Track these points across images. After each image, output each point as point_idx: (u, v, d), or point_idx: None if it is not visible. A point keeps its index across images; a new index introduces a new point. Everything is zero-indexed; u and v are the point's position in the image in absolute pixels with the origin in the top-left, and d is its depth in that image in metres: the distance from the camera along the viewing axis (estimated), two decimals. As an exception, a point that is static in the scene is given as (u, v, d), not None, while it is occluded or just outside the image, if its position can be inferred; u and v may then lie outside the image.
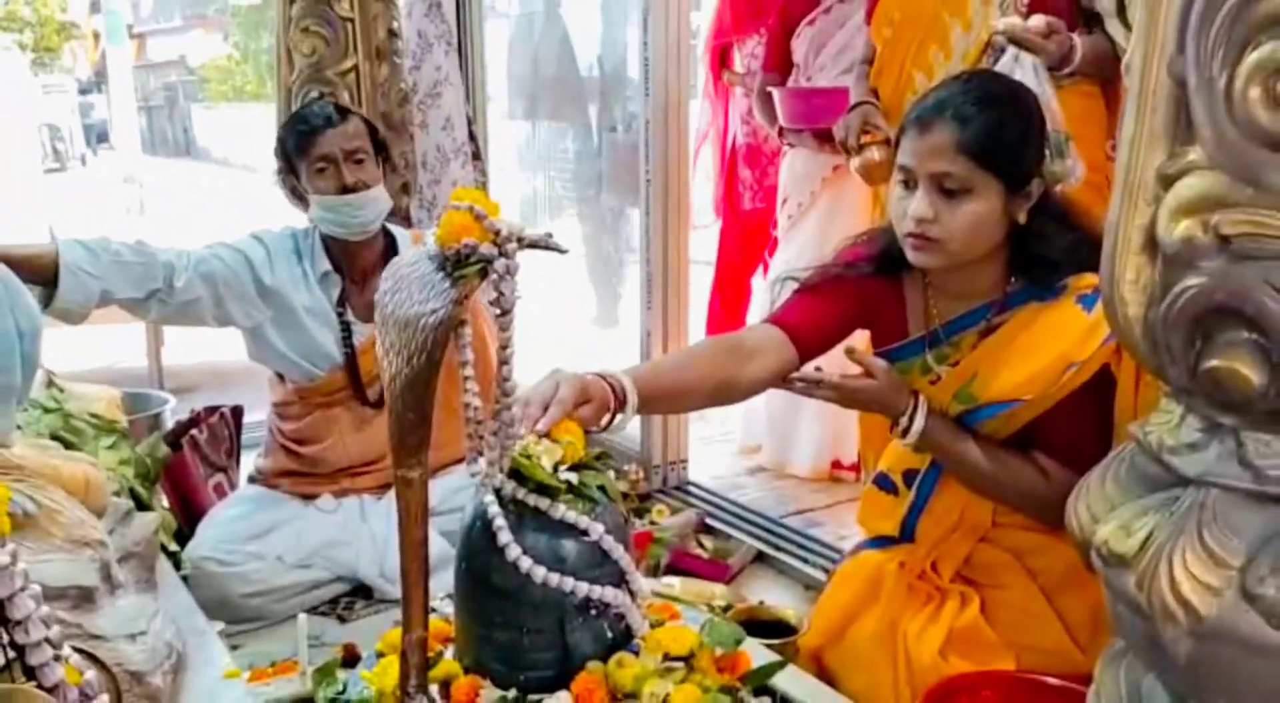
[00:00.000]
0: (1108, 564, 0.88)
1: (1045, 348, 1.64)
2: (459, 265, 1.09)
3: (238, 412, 2.66)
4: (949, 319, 1.75)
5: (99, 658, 0.97)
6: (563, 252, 1.14)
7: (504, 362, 1.17)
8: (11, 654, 0.77)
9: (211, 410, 2.59)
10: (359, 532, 2.34)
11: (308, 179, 2.24)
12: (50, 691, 0.74)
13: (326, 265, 2.32)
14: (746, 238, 4.13)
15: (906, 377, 1.78)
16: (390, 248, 2.37)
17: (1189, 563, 0.81)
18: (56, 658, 0.75)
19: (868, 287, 1.80)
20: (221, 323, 2.30)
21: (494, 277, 1.10)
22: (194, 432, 2.48)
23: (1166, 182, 0.84)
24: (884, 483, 1.90)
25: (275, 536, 2.28)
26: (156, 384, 3.94)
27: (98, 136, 18.13)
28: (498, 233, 1.09)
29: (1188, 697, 0.85)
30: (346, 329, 2.34)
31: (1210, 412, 0.84)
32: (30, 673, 0.75)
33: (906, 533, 1.84)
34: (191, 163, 19.35)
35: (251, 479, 2.49)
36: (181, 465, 2.39)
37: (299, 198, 2.31)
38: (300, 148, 2.23)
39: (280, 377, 2.42)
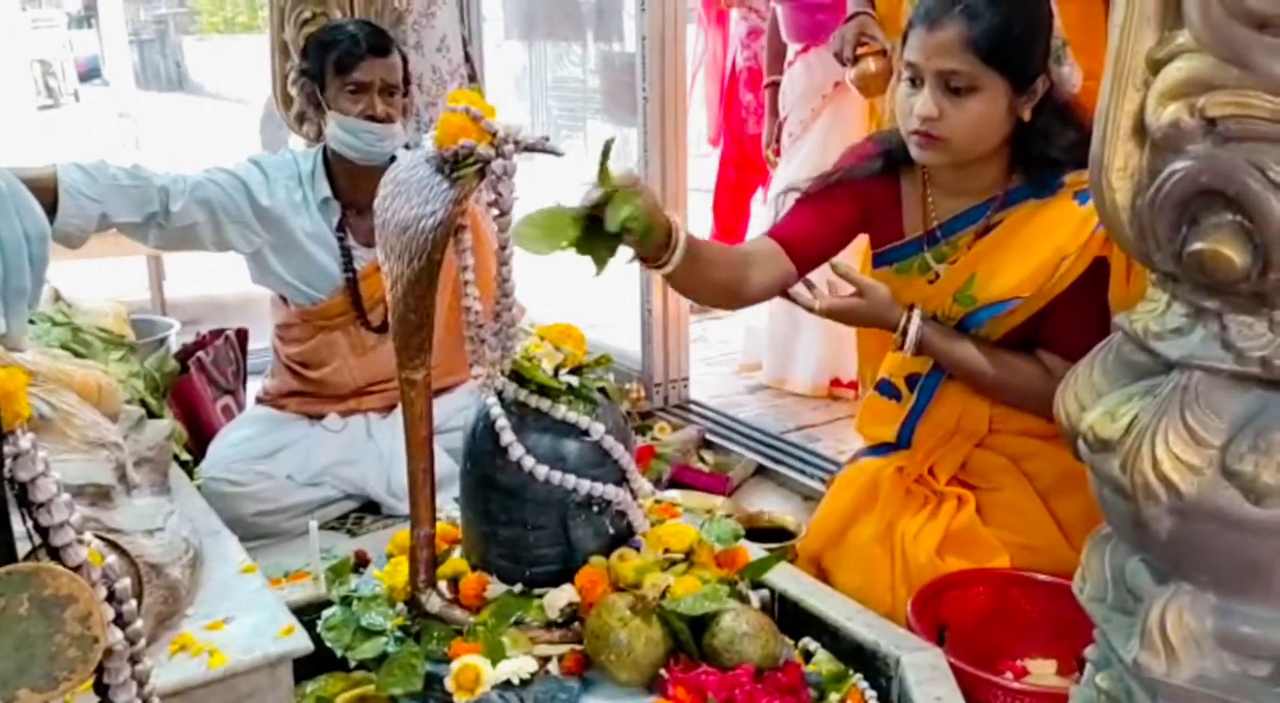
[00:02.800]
0: (1093, 450, 0.91)
1: (1041, 245, 1.66)
2: (457, 166, 1.11)
3: (243, 334, 2.68)
4: (947, 218, 1.76)
5: (121, 546, 1.01)
6: (559, 154, 1.15)
7: (503, 263, 1.19)
8: (37, 540, 0.79)
9: (217, 333, 2.61)
10: (366, 450, 2.37)
11: (334, 96, 2.24)
12: (74, 570, 0.77)
13: (327, 191, 2.32)
14: (747, 162, 4.13)
15: (906, 277, 1.80)
16: None
17: (1171, 443, 0.83)
18: (80, 541, 0.78)
19: (865, 189, 1.81)
20: (221, 248, 2.30)
21: (492, 177, 1.11)
22: (200, 354, 2.51)
23: (1156, 66, 0.84)
24: (886, 389, 1.93)
25: (284, 455, 2.32)
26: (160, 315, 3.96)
27: (89, 72, 17.85)
28: (495, 134, 1.10)
29: (1170, 574, 0.88)
30: (347, 255, 2.35)
31: (1194, 297, 0.86)
32: (54, 555, 0.78)
33: (904, 438, 1.87)
34: (185, 97, 19.08)
35: (258, 400, 2.51)
36: (189, 387, 2.42)
37: (315, 106, 2.29)
38: (342, 66, 2.22)
39: (283, 299, 2.43)
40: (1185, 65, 0.81)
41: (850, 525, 1.85)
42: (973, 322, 1.75)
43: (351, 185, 2.32)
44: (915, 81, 1.63)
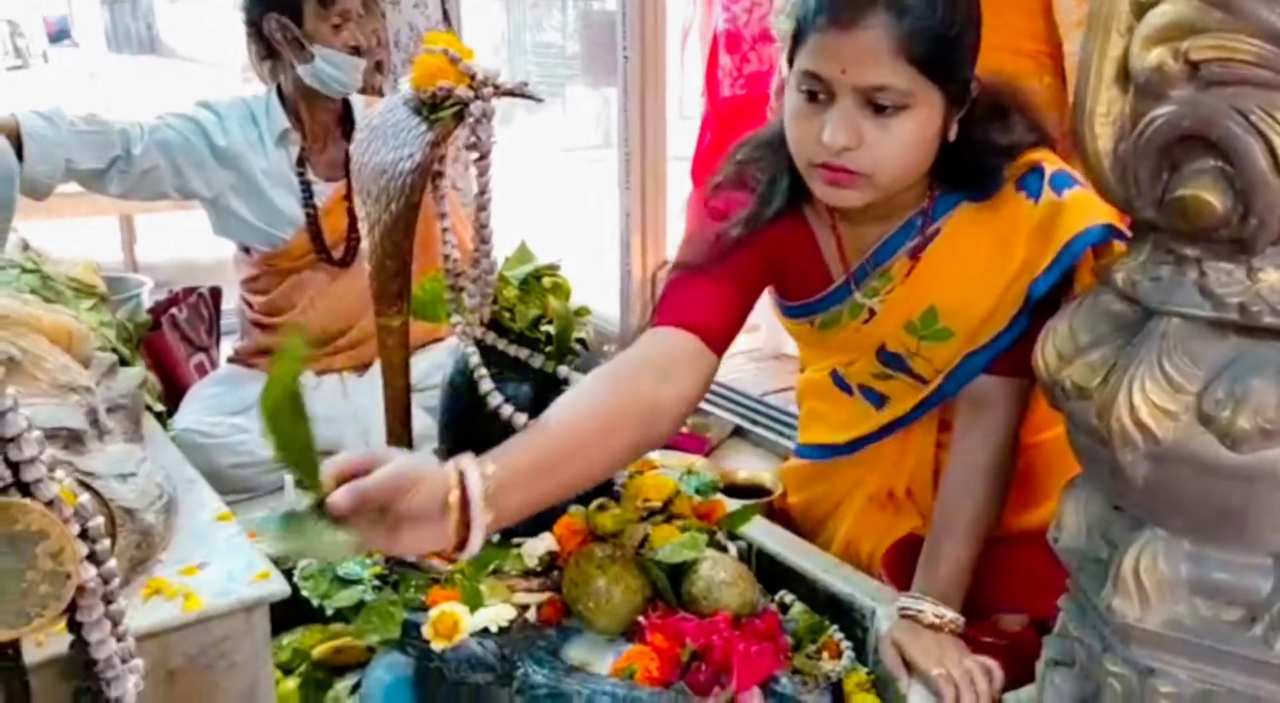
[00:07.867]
0: (1070, 398, 0.91)
1: (1003, 263, 1.35)
2: (434, 109, 1.09)
3: (216, 293, 2.66)
4: (871, 250, 1.41)
5: (94, 489, 1.00)
6: (539, 100, 1.14)
7: (482, 208, 1.18)
8: (8, 478, 0.78)
9: (190, 291, 2.59)
10: (341, 408, 2.36)
11: (316, 29, 2.22)
12: (46, 506, 0.76)
13: (285, 123, 2.31)
14: (725, 126, 4.09)
15: (833, 329, 1.50)
16: (346, 111, 2.38)
17: (1148, 389, 0.84)
18: (52, 477, 0.77)
19: (764, 239, 1.39)
20: (184, 194, 2.29)
21: (470, 120, 1.10)
22: (173, 311, 2.48)
23: (1140, 10, 0.84)
24: (839, 384, 1.65)
25: (258, 410, 2.30)
26: (132, 277, 3.92)
27: (59, 33, 17.53)
28: (473, 76, 1.09)
29: (1145, 521, 0.89)
30: (307, 189, 2.33)
31: (1174, 244, 0.86)
32: (25, 491, 0.77)
33: (856, 448, 1.66)
34: (156, 59, 18.78)
35: (230, 360, 2.50)
36: (162, 344, 2.40)
37: (294, 44, 2.26)
38: None
39: (246, 250, 2.41)
40: (1170, 9, 0.81)
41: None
42: (970, 366, 1.42)
43: (312, 118, 2.32)
44: (817, 96, 1.22)
